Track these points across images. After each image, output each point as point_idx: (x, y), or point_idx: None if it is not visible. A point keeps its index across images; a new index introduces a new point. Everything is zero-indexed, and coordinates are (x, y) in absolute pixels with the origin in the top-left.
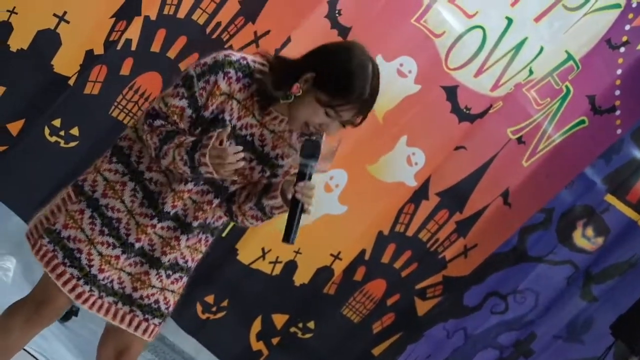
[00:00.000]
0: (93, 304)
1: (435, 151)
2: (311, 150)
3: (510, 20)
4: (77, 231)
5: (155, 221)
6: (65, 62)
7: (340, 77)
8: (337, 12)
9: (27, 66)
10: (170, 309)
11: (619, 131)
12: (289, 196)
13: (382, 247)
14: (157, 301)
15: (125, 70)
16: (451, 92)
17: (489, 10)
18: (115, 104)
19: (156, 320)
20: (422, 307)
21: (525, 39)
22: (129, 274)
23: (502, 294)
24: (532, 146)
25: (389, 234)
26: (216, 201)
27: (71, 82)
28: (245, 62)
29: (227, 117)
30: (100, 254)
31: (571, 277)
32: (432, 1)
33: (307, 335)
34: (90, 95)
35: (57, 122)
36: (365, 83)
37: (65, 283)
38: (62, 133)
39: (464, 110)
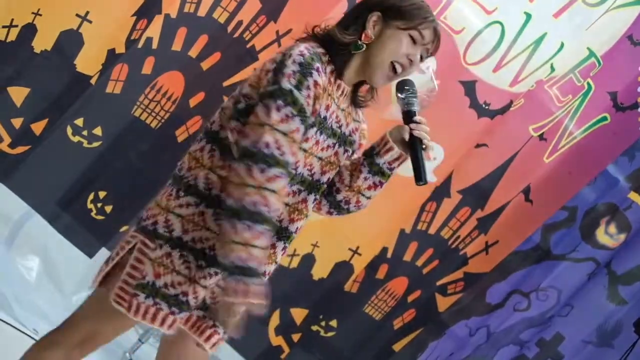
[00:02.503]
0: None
1: (454, 146)
2: (408, 87)
3: (529, 16)
4: (172, 275)
5: (274, 240)
6: (88, 62)
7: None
8: None
9: (50, 67)
10: None
11: None
12: (406, 136)
13: (404, 245)
14: None
15: (147, 69)
16: (470, 87)
17: (507, 6)
18: (138, 103)
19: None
20: (443, 303)
21: (545, 34)
22: (222, 288)
23: (524, 291)
24: (554, 143)
25: (411, 232)
26: (311, 197)
27: (93, 81)
28: (311, 50)
29: (322, 112)
30: (205, 287)
31: (592, 272)
32: None
33: (330, 334)
34: (112, 95)
35: (79, 122)
36: (428, 5)
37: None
38: (85, 133)
39: (483, 105)
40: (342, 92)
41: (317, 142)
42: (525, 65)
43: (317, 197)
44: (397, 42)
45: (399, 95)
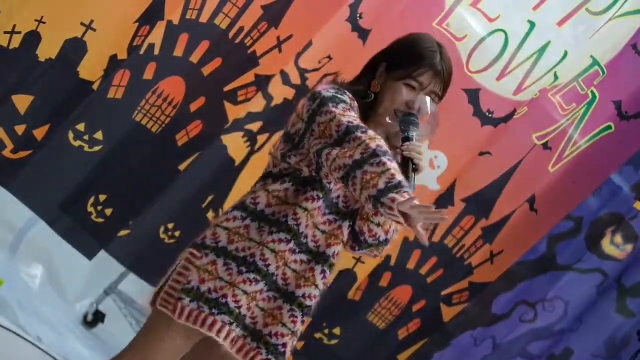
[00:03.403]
0: (234, 341)
1: (458, 155)
2: (408, 118)
3: (532, 24)
4: (215, 282)
5: (292, 245)
6: (91, 68)
7: (407, 49)
8: (358, 15)
9: (55, 75)
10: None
11: None
12: (399, 158)
13: (408, 253)
14: (284, 345)
15: (149, 74)
16: (473, 95)
17: (511, 15)
18: (139, 108)
19: None
20: (448, 313)
21: (549, 43)
22: (262, 309)
23: (530, 302)
24: (559, 152)
25: (414, 240)
26: (346, 224)
27: (95, 86)
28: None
29: None
30: (245, 292)
31: (601, 285)
32: (454, 5)
33: (334, 342)
34: (114, 100)
35: (81, 127)
36: (433, 45)
37: (219, 331)
38: (86, 137)
39: (487, 113)
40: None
41: None
42: (529, 74)
43: (352, 223)
44: (395, 92)
45: (398, 123)
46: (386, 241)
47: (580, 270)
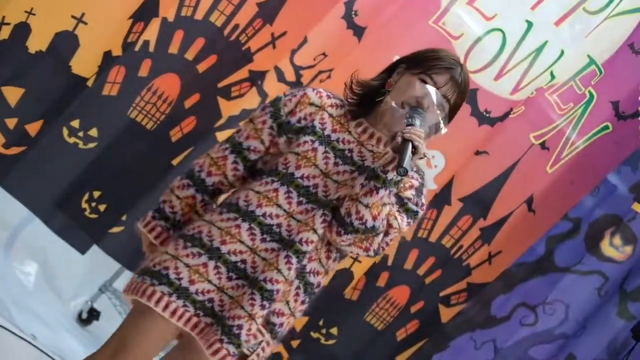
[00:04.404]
0: (188, 320)
1: (455, 154)
2: (415, 110)
3: (530, 24)
4: (162, 256)
5: (239, 222)
6: (84, 64)
7: (429, 52)
8: (353, 12)
9: (45, 68)
10: (251, 343)
11: None
12: (399, 140)
13: (405, 252)
14: (240, 326)
15: (144, 71)
16: (471, 95)
17: (508, 14)
18: (134, 105)
19: (230, 347)
20: (446, 314)
21: (546, 42)
22: (231, 297)
23: (530, 305)
24: (556, 152)
25: (411, 240)
26: (319, 212)
27: (89, 83)
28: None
29: (317, 125)
30: (187, 265)
31: (602, 288)
32: (450, 3)
33: (331, 342)
34: (109, 96)
35: (75, 123)
36: (455, 57)
37: (157, 302)
38: (80, 134)
39: (484, 113)
40: (372, 134)
41: (314, 150)
42: (526, 74)
43: (326, 212)
44: (408, 84)
45: (404, 112)
46: (373, 228)
47: (580, 272)
